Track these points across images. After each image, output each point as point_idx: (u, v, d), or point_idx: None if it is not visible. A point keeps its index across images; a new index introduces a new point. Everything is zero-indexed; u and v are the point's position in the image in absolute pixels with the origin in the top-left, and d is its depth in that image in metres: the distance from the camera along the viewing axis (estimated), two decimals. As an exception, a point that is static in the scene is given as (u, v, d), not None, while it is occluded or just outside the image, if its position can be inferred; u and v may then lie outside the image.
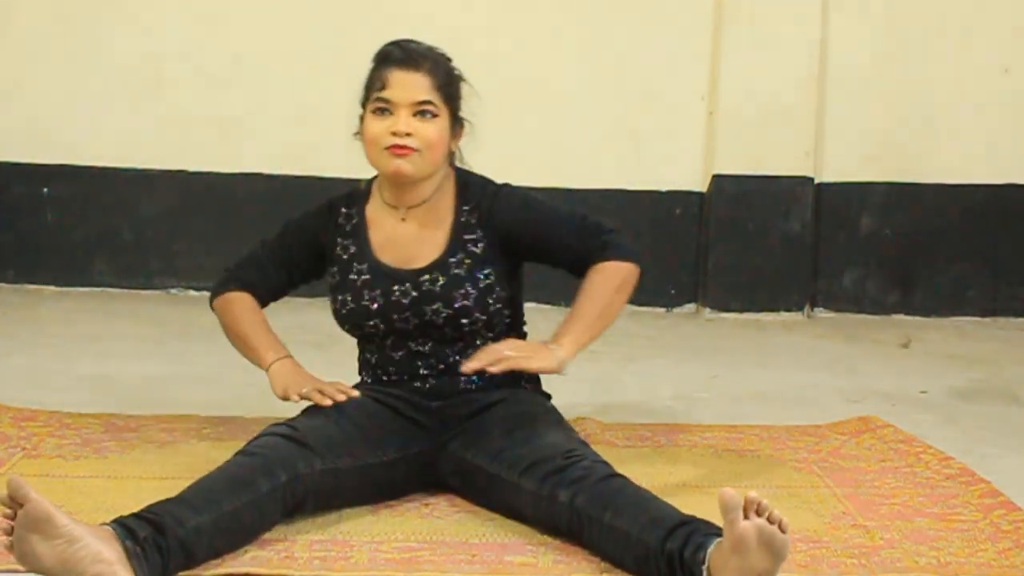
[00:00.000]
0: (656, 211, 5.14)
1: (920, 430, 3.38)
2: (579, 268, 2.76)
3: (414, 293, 2.70)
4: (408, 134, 2.62)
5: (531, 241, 2.76)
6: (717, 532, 2.21)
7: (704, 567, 2.17)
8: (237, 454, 2.51)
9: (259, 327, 2.82)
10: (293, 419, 2.64)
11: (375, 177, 2.82)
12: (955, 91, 5.11)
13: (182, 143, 5.08)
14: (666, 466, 3.04)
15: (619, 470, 3.01)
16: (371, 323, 2.72)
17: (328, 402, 2.66)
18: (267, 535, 2.52)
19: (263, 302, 2.88)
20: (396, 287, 2.71)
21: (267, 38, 5.03)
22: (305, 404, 2.71)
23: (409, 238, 2.75)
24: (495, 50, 4.83)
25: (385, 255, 2.74)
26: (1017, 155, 5.16)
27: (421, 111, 2.64)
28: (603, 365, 3.97)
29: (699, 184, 5.13)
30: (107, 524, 2.23)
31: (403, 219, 2.75)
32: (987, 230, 5.18)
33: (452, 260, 2.71)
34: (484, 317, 2.72)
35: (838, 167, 5.13)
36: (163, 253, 5.16)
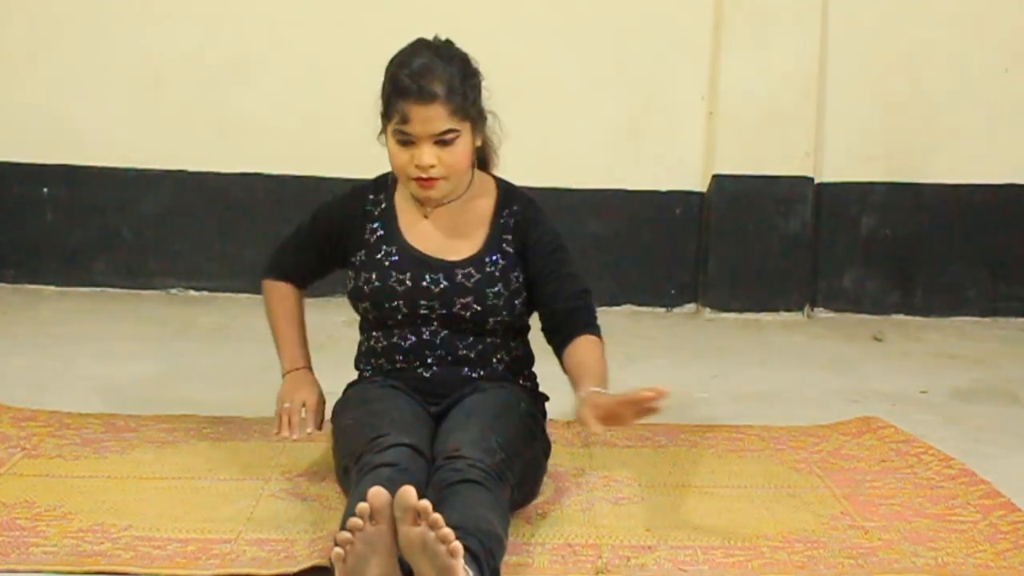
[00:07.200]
0: (656, 211, 5.14)
1: (920, 430, 3.38)
2: (553, 323, 2.75)
3: (445, 283, 2.72)
4: (432, 166, 2.64)
5: (535, 270, 2.76)
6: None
7: None
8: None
9: (287, 326, 2.93)
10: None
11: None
12: (955, 91, 5.10)
13: (182, 143, 5.08)
14: (666, 466, 3.04)
15: (619, 470, 3.01)
16: (394, 304, 2.72)
17: (285, 433, 2.75)
18: (267, 535, 2.52)
19: (302, 285, 2.97)
20: (427, 274, 2.73)
21: (267, 38, 5.02)
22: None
23: (443, 230, 2.77)
24: (495, 50, 4.78)
25: (416, 241, 2.77)
26: (1017, 155, 5.15)
27: (442, 140, 2.63)
28: (603, 365, 3.97)
29: (699, 184, 5.12)
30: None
31: (425, 216, 2.78)
32: (987, 230, 5.17)
33: (488, 259, 2.74)
34: (509, 319, 2.75)
35: (838, 167, 5.12)
36: (163, 253, 5.15)
